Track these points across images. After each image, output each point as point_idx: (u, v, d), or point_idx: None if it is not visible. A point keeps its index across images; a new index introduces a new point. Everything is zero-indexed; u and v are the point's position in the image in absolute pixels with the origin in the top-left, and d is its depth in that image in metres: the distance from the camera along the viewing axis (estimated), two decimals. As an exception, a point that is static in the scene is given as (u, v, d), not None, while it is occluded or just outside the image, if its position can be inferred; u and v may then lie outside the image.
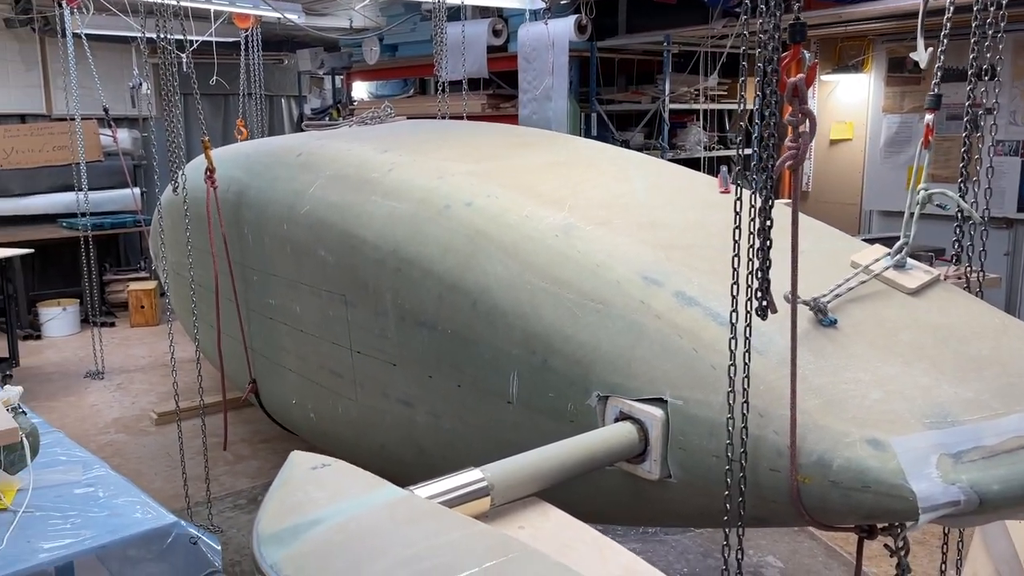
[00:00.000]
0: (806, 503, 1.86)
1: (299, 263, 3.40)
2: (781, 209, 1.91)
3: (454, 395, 2.70)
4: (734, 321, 1.84)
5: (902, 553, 2.19)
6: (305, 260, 3.34)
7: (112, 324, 7.67)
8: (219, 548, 2.10)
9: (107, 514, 2.11)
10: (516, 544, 1.57)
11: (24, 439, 2.02)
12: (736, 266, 1.79)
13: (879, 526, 2.12)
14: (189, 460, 3.83)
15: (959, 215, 2.25)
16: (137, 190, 7.82)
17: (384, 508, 1.66)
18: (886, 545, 2.21)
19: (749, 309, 1.82)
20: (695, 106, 7.14)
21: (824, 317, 2.04)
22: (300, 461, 1.87)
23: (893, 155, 6.59)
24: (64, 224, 7.74)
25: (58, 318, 7.35)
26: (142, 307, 7.64)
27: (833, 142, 7.15)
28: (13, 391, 2.23)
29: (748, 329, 1.85)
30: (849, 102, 7.02)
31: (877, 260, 2.22)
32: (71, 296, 7.64)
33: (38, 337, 7.27)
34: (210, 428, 3.81)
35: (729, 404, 1.86)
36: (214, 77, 6.63)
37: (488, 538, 1.57)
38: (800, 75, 1.65)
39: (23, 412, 2.21)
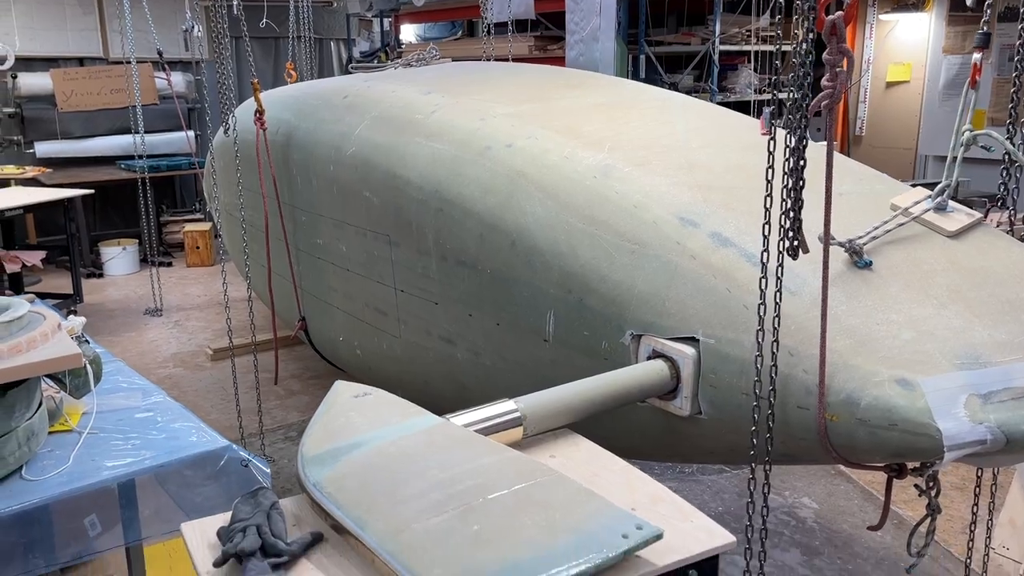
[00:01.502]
0: (833, 441, 1.90)
1: (345, 203, 3.48)
2: (820, 151, 1.91)
3: (493, 333, 2.78)
4: (765, 261, 1.85)
5: (932, 493, 2.22)
6: (351, 200, 3.42)
7: (169, 264, 7.92)
8: (269, 471, 2.23)
9: (165, 437, 2.24)
10: (546, 469, 1.64)
11: (87, 365, 2.14)
12: (768, 206, 1.80)
13: (909, 466, 2.14)
14: (242, 394, 3.99)
15: (1005, 158, 2.21)
16: (191, 133, 7.98)
17: (421, 434, 1.74)
18: (916, 485, 2.23)
19: (781, 249, 1.84)
20: (746, 47, 6.97)
21: (859, 259, 2.04)
22: (343, 390, 1.97)
23: (952, 98, 6.37)
24: (122, 166, 7.96)
25: (118, 257, 7.62)
26: (197, 248, 7.86)
27: (890, 84, 6.93)
28: (77, 321, 2.36)
29: (780, 269, 1.87)
30: (908, 42, 6.78)
31: (917, 202, 2.21)
32: (130, 237, 7.89)
33: (100, 275, 7.55)
34: (262, 364, 3.96)
35: (759, 343, 1.89)
36: (264, 20, 6.67)
37: (519, 463, 1.64)
38: (839, 12, 1.63)
39: (86, 341, 2.35)
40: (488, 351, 2.86)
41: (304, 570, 1.45)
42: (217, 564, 1.43)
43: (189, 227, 7.95)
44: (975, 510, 2.54)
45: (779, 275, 1.86)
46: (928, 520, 2.27)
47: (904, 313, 1.94)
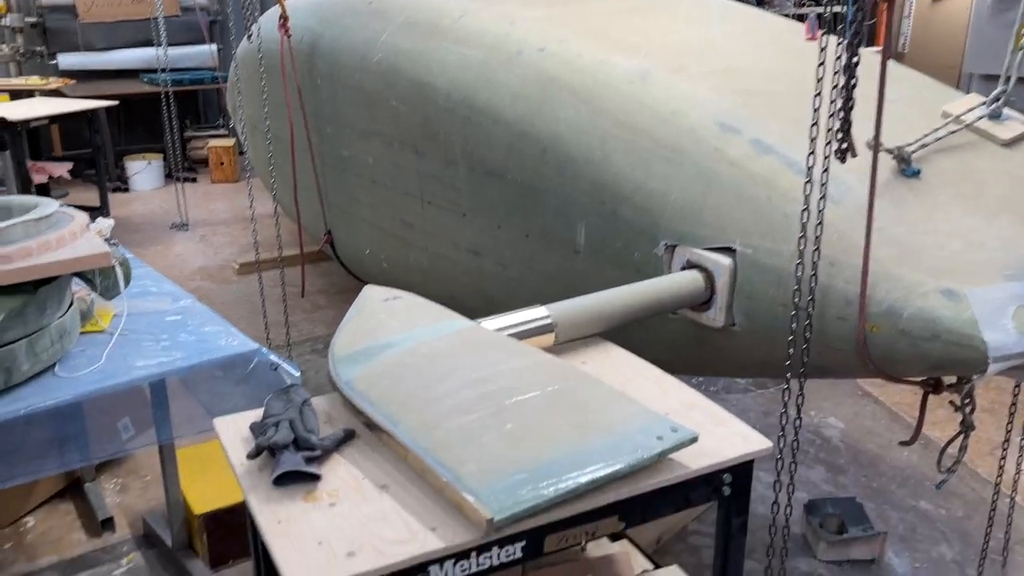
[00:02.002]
0: (872, 352, 1.86)
1: (371, 113, 3.40)
2: (871, 58, 1.82)
3: (522, 245, 2.73)
4: (811, 164, 1.78)
5: (967, 410, 2.18)
6: (377, 110, 3.34)
7: (194, 180, 7.90)
8: (298, 375, 2.23)
9: (195, 339, 2.24)
10: (579, 372, 1.62)
11: (117, 266, 2.13)
12: (817, 107, 1.72)
13: (946, 382, 2.10)
14: (269, 307, 4.00)
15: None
16: (214, 47, 7.85)
17: (453, 336, 1.72)
18: (951, 402, 2.20)
19: (828, 154, 1.76)
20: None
21: (907, 167, 1.97)
22: (373, 293, 1.95)
23: (1002, 12, 6.08)
24: (145, 79, 7.87)
25: (144, 172, 7.60)
26: (222, 164, 7.82)
27: None
28: (105, 223, 2.34)
29: (825, 176, 1.80)
30: (958, -46, 6.46)
31: (970, 110, 2.11)
32: (154, 152, 7.86)
33: (126, 190, 7.56)
34: (288, 279, 3.95)
35: (799, 250, 1.83)
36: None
37: (552, 366, 1.62)
38: None
39: (115, 244, 2.33)
40: (516, 263, 2.82)
41: (336, 465, 1.45)
42: (250, 456, 1.44)
43: (213, 143, 7.90)
44: (1009, 428, 2.51)
45: (824, 182, 1.79)
46: (960, 437, 2.25)
47: (952, 223, 1.87)
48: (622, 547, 1.90)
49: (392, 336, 1.72)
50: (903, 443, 2.27)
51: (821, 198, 1.79)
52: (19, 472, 1.96)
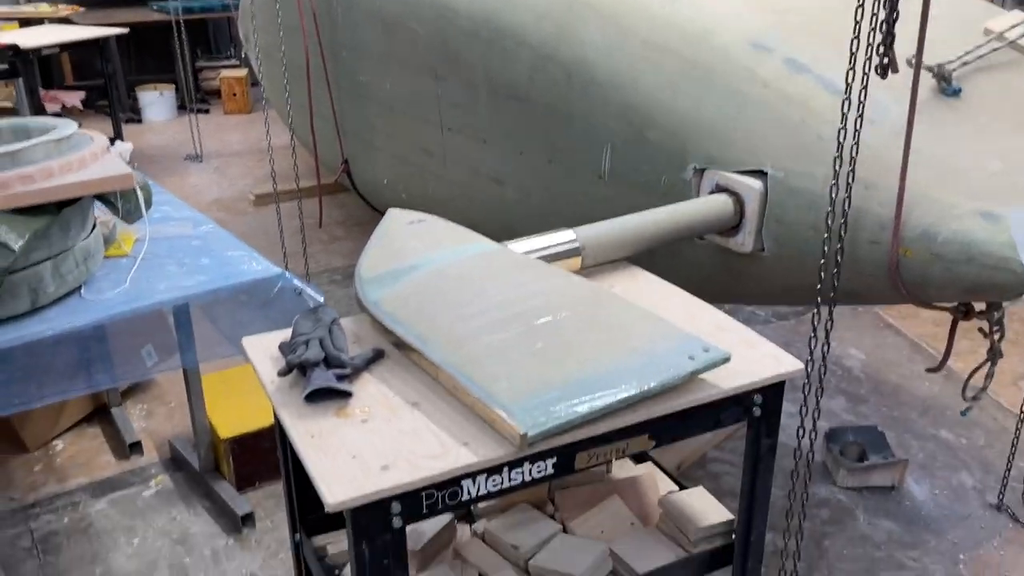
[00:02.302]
0: (904, 277, 1.83)
1: (389, 37, 3.33)
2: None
3: (544, 171, 2.69)
4: (850, 81, 1.72)
5: (996, 337, 2.16)
6: (395, 33, 3.26)
7: (206, 111, 7.81)
8: (322, 299, 2.22)
9: (219, 263, 2.23)
10: (609, 293, 1.61)
11: (138, 189, 2.11)
12: (859, 18, 1.65)
13: (976, 308, 2.08)
14: (286, 239, 3.99)
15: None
16: (223, -27, 7.67)
17: (479, 257, 1.70)
18: (980, 329, 2.18)
19: (868, 71, 1.70)
20: None
21: (947, 86, 1.90)
22: (397, 216, 1.92)
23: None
24: (155, 7, 7.73)
25: (156, 103, 7.52)
26: (234, 95, 7.72)
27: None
28: (124, 146, 2.32)
29: (864, 94, 1.74)
30: None
31: (1013, 27, 2.03)
32: (166, 82, 7.76)
33: (139, 121, 7.49)
34: (305, 211, 3.93)
35: (834, 171, 1.79)
36: None
37: (581, 287, 1.60)
38: None
39: (135, 166, 2.31)
40: (538, 190, 2.78)
41: (366, 383, 1.45)
42: (281, 374, 1.44)
43: (226, 73, 7.78)
44: (1036, 358, 2.49)
45: (862, 100, 1.74)
46: (987, 365, 2.23)
47: (992, 144, 1.82)
48: (647, 469, 1.91)
49: (418, 258, 1.70)
50: (929, 370, 2.26)
51: (859, 117, 1.74)
52: (48, 392, 1.99)
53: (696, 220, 2.03)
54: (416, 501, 1.24)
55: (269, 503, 2.67)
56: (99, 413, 3.11)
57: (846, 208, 1.80)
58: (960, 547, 2.45)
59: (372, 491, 1.19)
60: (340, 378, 1.41)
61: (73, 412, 3.03)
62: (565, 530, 1.74)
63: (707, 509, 1.71)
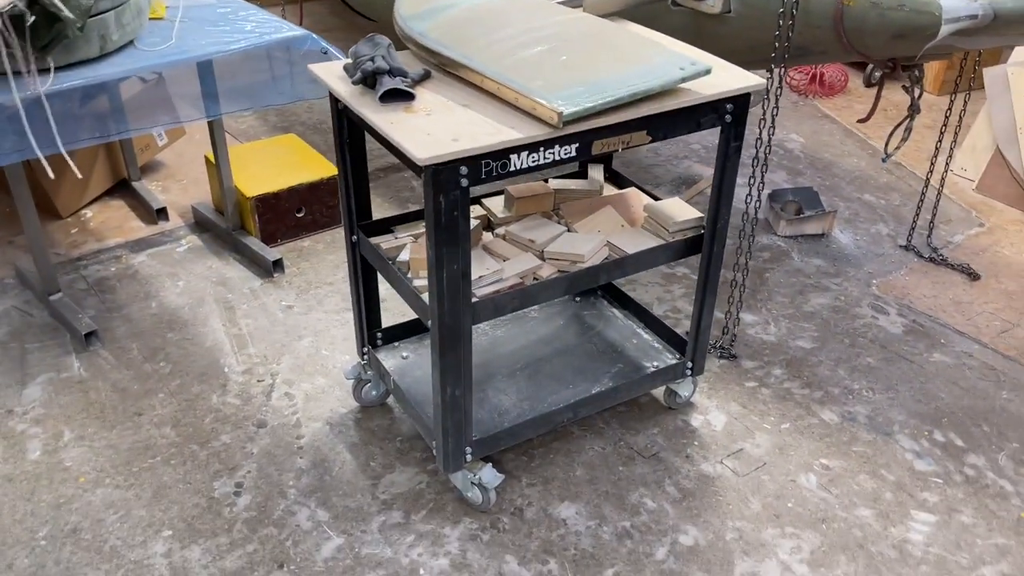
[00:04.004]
0: (846, 25, 2.22)
1: None
2: None
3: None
4: None
5: (915, 93, 2.60)
6: None
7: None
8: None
9: (250, 27, 2.49)
10: (613, 25, 1.96)
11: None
12: None
13: (901, 65, 2.50)
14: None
15: None
16: None
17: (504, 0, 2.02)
18: (904, 86, 2.61)
19: None
20: None
21: None
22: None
23: None
24: None
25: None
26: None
27: None
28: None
29: None
30: None
31: None
32: None
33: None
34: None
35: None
36: None
37: (593, 20, 1.95)
38: None
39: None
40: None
41: (423, 92, 1.80)
42: (357, 82, 1.77)
43: None
44: (942, 132, 2.97)
45: None
46: (907, 120, 2.69)
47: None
48: (633, 190, 2.33)
49: None
50: (860, 120, 2.70)
51: None
52: (118, 129, 2.28)
53: (676, -18, 2.36)
54: (477, 167, 1.63)
55: (292, 255, 3.05)
56: (120, 187, 3.39)
57: (803, -35, 2.16)
58: (874, 275, 3.00)
59: (447, 153, 1.57)
60: (404, 84, 1.75)
61: (99, 183, 3.31)
62: (570, 231, 2.17)
63: (683, 211, 2.15)
